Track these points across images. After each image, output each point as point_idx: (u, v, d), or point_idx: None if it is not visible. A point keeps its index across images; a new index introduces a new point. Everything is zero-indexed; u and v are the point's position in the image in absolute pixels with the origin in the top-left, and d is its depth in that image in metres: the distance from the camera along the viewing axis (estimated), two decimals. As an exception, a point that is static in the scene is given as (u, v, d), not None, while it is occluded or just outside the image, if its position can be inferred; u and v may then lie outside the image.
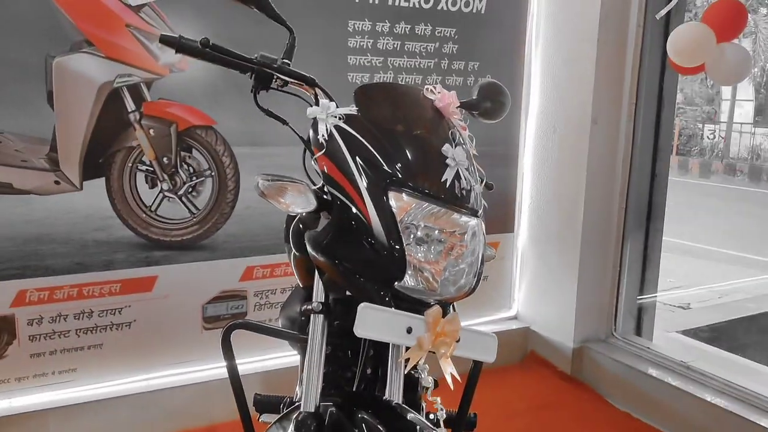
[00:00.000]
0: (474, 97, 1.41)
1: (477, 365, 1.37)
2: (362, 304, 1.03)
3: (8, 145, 2.26)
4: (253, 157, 2.66)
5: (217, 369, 2.65)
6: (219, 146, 2.61)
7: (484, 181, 1.29)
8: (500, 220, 3.37)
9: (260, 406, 1.52)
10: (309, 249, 1.14)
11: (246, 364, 2.64)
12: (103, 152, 2.42)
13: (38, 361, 2.43)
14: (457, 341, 1.09)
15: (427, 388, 1.25)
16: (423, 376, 1.08)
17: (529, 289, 3.44)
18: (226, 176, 2.65)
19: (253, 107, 1.35)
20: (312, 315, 1.19)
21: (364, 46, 2.83)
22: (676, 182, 12.61)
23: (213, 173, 2.63)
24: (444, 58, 3.04)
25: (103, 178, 2.44)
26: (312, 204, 1.14)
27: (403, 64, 2.94)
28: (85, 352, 2.50)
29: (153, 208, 2.54)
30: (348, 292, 1.18)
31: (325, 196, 1.18)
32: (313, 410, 1.14)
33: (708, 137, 18.40)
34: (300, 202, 1.14)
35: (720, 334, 4.29)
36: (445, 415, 1.12)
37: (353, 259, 1.11)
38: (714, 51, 2.46)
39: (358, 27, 2.80)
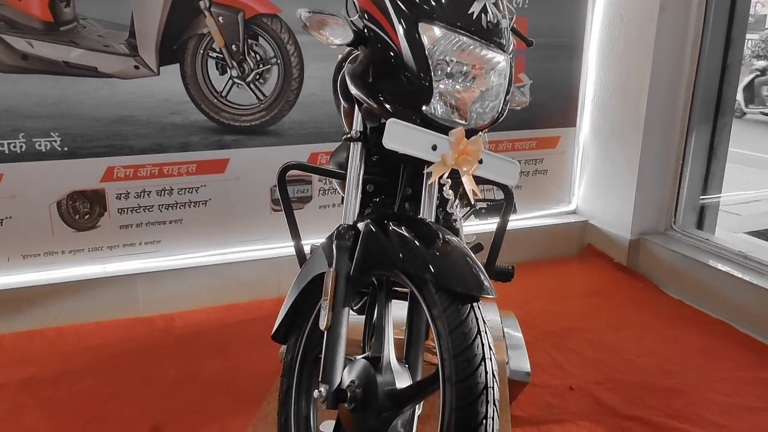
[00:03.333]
0: None
1: (507, 204, 1.46)
2: (391, 120, 1.15)
3: (92, 30, 2.45)
4: (317, 46, 2.72)
5: (286, 248, 2.86)
6: (284, 34, 2.72)
7: (513, 22, 1.34)
8: (562, 114, 3.36)
9: None
10: (347, 80, 1.25)
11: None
12: (176, 39, 2.59)
13: (127, 232, 2.71)
14: (480, 162, 1.19)
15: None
16: (445, 190, 1.18)
17: (589, 184, 3.45)
18: (291, 64, 2.77)
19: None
20: (351, 143, 1.32)
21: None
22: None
23: (278, 61, 2.76)
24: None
25: (178, 64, 2.62)
26: (349, 36, 1.24)
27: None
28: (167, 226, 2.76)
29: (223, 94, 2.71)
30: (383, 120, 1.28)
31: (365, 33, 1.27)
32: (351, 223, 1.28)
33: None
34: (339, 34, 1.25)
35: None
36: (475, 239, 1.22)
37: (386, 86, 1.21)
38: None
39: None
